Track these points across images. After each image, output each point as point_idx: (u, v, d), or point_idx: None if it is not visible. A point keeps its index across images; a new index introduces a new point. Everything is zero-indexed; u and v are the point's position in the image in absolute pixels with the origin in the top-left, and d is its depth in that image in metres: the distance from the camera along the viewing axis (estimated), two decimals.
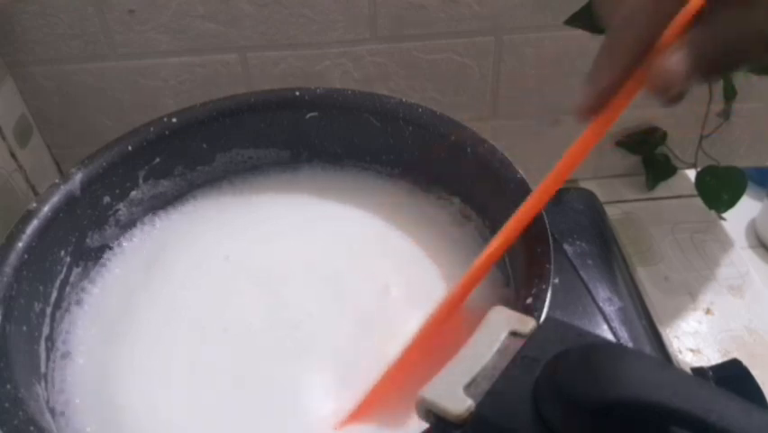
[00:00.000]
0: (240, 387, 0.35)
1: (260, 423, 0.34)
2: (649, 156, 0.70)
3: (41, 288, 0.37)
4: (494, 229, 0.42)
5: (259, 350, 0.37)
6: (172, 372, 0.36)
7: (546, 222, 0.35)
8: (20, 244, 0.35)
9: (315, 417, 0.34)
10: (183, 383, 0.36)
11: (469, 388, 0.24)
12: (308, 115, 0.45)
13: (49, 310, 0.38)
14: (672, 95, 0.28)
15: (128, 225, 0.44)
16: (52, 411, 0.34)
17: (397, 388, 0.33)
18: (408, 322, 0.37)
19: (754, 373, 0.42)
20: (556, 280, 0.32)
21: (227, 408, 0.34)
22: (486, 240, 0.42)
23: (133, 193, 0.44)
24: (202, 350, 0.37)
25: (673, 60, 0.27)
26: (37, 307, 0.36)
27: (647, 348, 0.44)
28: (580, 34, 0.53)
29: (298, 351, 0.37)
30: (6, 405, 0.29)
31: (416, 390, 0.26)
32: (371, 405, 0.34)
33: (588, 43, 0.60)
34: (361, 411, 0.33)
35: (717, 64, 0.28)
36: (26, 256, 0.35)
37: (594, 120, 0.31)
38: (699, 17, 0.27)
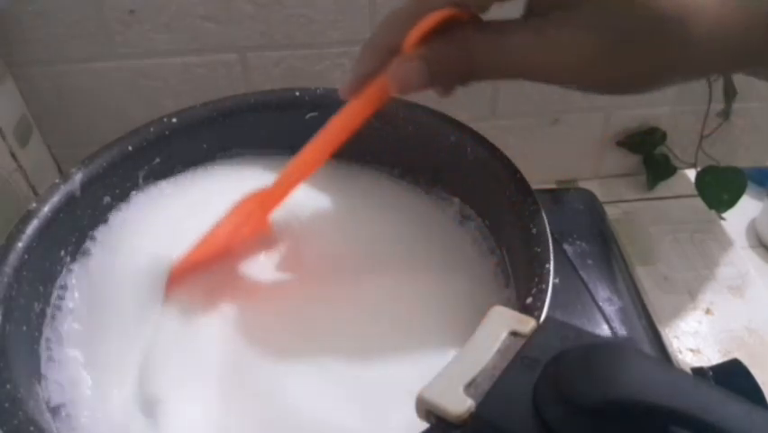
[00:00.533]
0: (238, 385, 0.35)
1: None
2: (649, 156, 0.70)
3: (41, 288, 0.37)
4: (494, 229, 0.42)
5: (258, 353, 0.37)
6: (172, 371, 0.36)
7: (546, 222, 0.35)
8: (20, 244, 0.35)
9: None
10: (183, 383, 0.36)
11: (469, 388, 0.24)
12: (308, 115, 0.45)
13: (49, 310, 0.38)
14: (412, 92, 0.31)
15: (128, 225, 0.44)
16: (52, 411, 0.34)
17: (212, 254, 0.39)
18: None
19: (754, 372, 0.42)
20: (556, 281, 0.32)
21: (232, 400, 0.34)
22: (486, 240, 0.42)
23: (133, 193, 0.44)
24: (200, 349, 0.37)
25: (405, 66, 0.30)
26: (37, 307, 0.37)
27: (647, 348, 0.44)
28: None
29: (297, 352, 0.37)
30: (6, 405, 0.29)
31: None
32: (192, 265, 0.39)
33: None
34: (186, 269, 0.38)
35: (449, 77, 0.30)
36: (26, 256, 0.35)
37: (352, 101, 0.34)
38: (445, 28, 0.29)
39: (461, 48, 0.29)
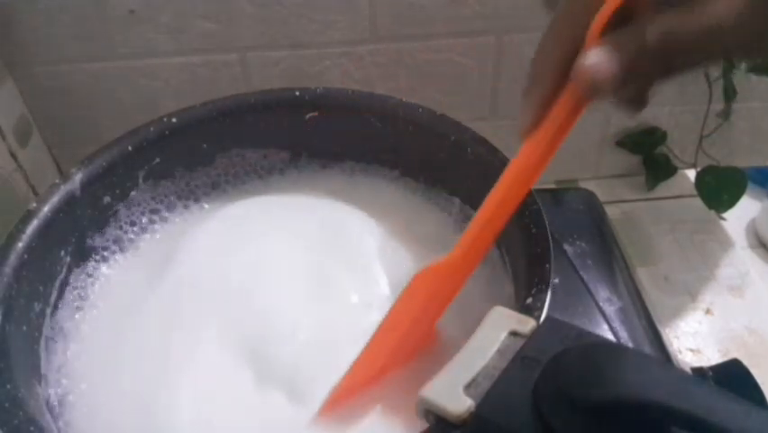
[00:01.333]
0: (238, 384, 0.35)
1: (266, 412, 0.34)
2: (649, 156, 0.70)
3: (40, 288, 0.37)
4: None
5: (258, 349, 0.37)
6: (172, 372, 0.36)
7: (546, 222, 0.35)
8: (20, 244, 0.35)
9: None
10: (184, 383, 0.36)
11: (469, 388, 0.24)
12: (308, 115, 0.45)
13: (49, 311, 0.38)
14: (604, 95, 0.27)
15: (128, 226, 0.44)
16: (52, 411, 0.34)
17: (375, 371, 0.33)
18: None
19: (754, 372, 0.42)
20: (556, 281, 0.32)
21: (226, 403, 0.34)
22: None
23: (133, 193, 0.44)
24: (201, 349, 0.37)
25: (594, 57, 0.26)
26: (37, 307, 0.36)
27: (647, 348, 0.44)
28: None
29: (297, 351, 0.37)
30: (6, 405, 0.29)
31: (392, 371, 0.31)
32: (351, 389, 0.33)
33: None
34: (342, 395, 0.33)
35: (641, 66, 0.26)
36: (26, 256, 0.35)
37: (535, 134, 0.31)
38: (626, 17, 0.26)
39: (651, 26, 0.25)
